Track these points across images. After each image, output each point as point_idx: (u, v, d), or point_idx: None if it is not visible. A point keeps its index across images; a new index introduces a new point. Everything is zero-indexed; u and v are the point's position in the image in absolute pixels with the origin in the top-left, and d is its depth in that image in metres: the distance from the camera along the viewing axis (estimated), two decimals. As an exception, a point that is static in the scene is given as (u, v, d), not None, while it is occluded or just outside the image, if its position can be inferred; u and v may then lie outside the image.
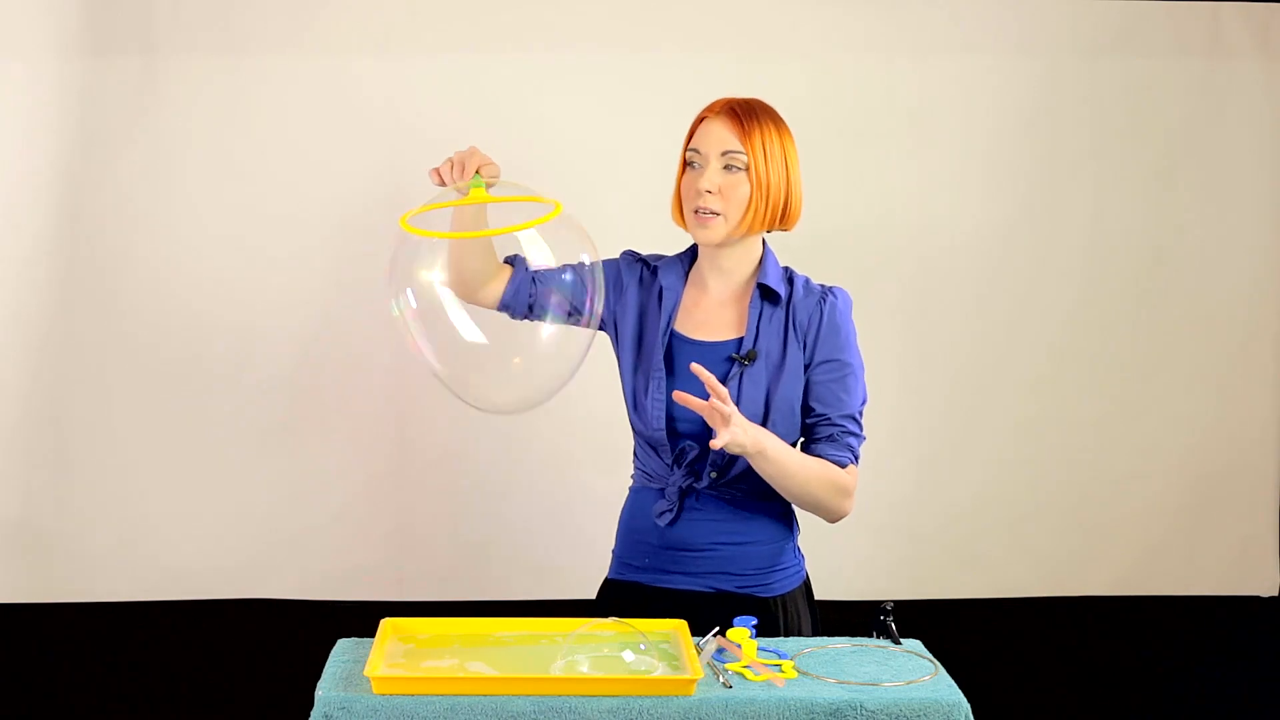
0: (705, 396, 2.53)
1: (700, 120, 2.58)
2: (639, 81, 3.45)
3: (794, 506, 2.65)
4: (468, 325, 2.44)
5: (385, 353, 3.46)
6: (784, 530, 2.62)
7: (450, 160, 2.47)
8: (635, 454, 2.69)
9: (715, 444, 2.36)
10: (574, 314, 2.57)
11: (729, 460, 2.54)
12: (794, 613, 2.61)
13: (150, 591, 3.49)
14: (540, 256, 2.46)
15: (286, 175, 3.42)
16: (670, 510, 2.58)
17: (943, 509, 3.61)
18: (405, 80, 3.43)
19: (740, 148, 2.52)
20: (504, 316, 2.59)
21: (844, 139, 3.50)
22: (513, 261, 2.59)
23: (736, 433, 2.37)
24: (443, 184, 2.47)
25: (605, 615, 2.44)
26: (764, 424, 2.53)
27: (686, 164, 2.57)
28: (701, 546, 2.58)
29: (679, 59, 3.44)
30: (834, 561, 3.39)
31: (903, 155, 3.52)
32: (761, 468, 2.46)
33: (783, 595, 2.60)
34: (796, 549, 2.65)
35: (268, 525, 3.49)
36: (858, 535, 3.56)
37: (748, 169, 2.52)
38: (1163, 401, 3.63)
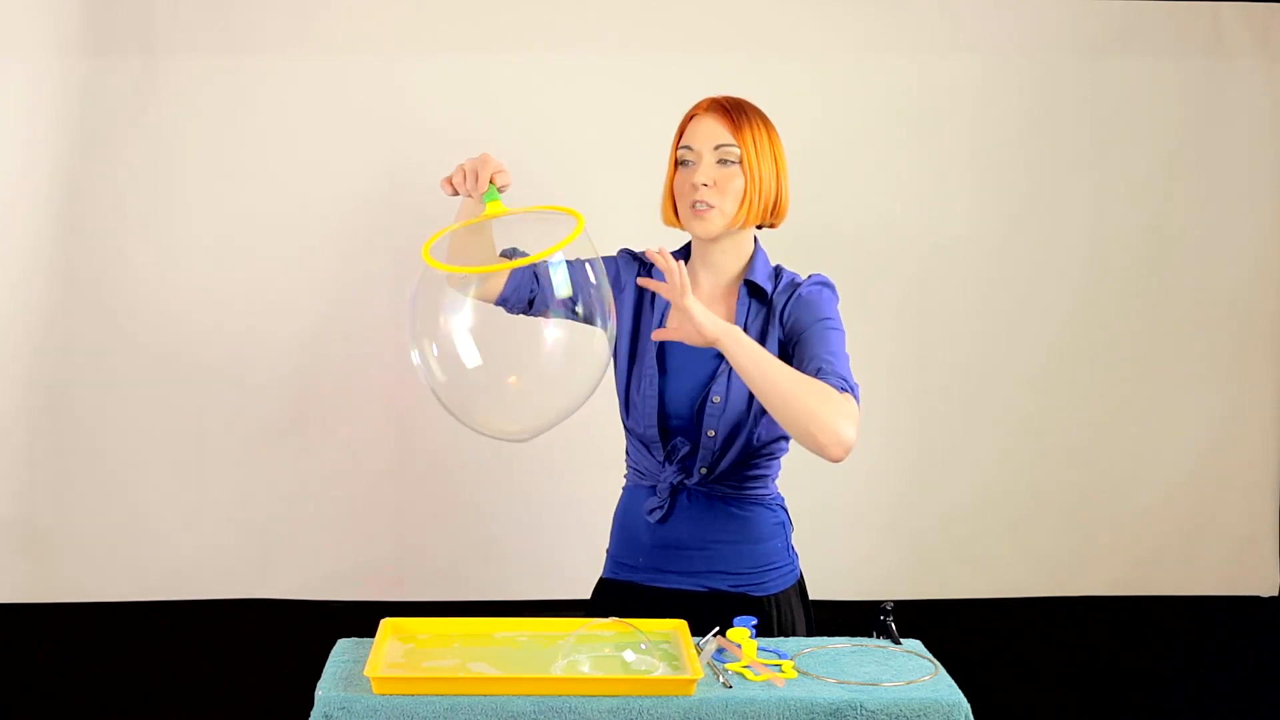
0: (694, 395, 2.54)
1: (689, 118, 2.60)
2: (639, 81, 3.45)
3: (785, 509, 2.65)
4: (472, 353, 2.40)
5: (386, 353, 3.46)
6: (777, 529, 2.62)
7: (462, 169, 2.40)
8: (627, 453, 2.69)
9: (689, 311, 2.30)
10: (574, 311, 2.57)
11: (718, 455, 2.55)
12: (788, 612, 2.61)
13: (150, 591, 3.49)
14: (560, 273, 2.38)
15: (286, 175, 3.42)
16: (661, 507, 2.59)
17: (943, 509, 3.61)
18: (405, 80, 3.43)
19: (733, 141, 2.54)
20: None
21: (844, 139, 3.50)
22: (511, 257, 2.59)
23: (699, 306, 2.32)
24: (455, 194, 2.44)
25: (600, 615, 2.44)
26: (751, 418, 2.54)
27: (679, 163, 2.59)
28: (693, 544, 2.59)
29: (679, 59, 3.45)
30: (833, 561, 3.40)
31: (903, 155, 3.52)
32: (735, 356, 2.33)
33: (776, 595, 2.60)
34: (790, 548, 2.66)
35: (268, 525, 3.49)
36: (857, 535, 3.57)
37: (741, 162, 2.54)
38: (1163, 401, 3.63)
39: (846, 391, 2.40)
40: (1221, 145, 3.58)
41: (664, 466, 2.59)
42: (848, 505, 3.57)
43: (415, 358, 2.37)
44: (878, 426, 3.53)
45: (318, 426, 3.48)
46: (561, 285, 2.37)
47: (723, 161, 2.54)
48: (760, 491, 2.61)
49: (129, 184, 3.40)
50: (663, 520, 2.60)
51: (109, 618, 3.52)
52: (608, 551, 2.72)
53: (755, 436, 2.55)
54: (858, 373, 2.61)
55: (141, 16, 3.37)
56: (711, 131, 2.55)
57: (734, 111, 2.56)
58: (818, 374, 2.42)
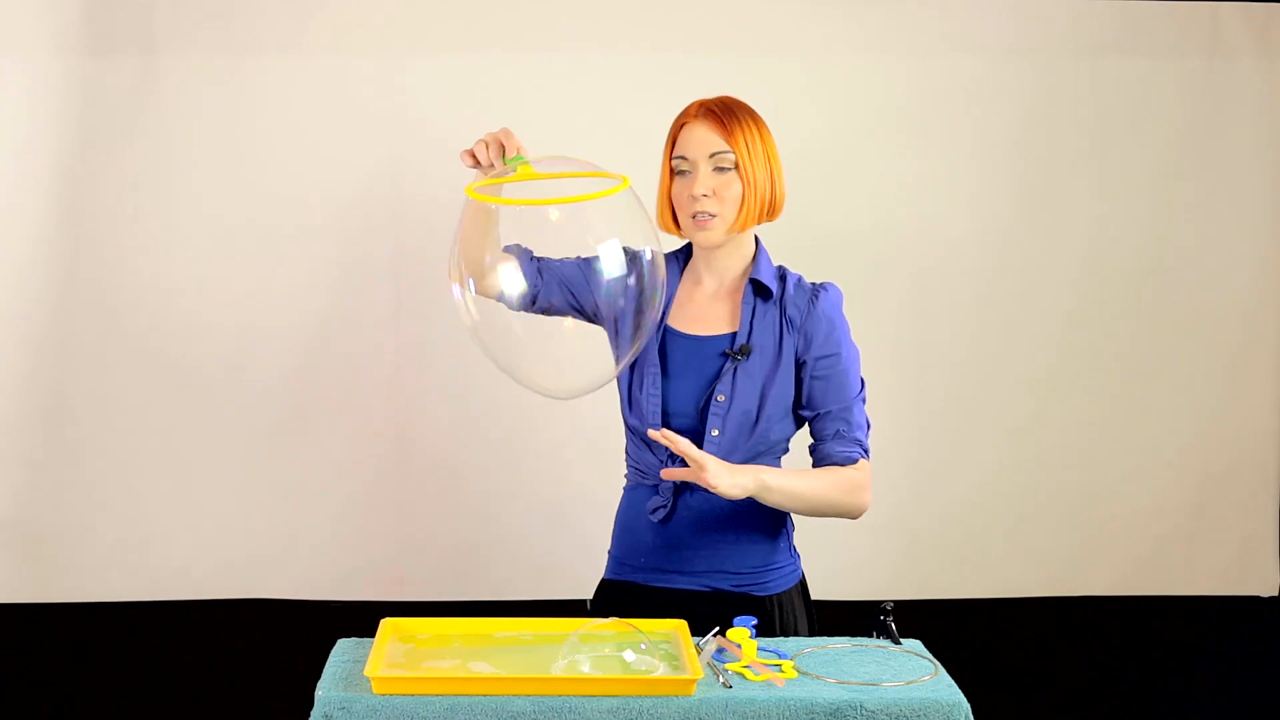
0: (699, 394, 2.54)
1: (680, 127, 2.59)
2: (639, 81, 3.45)
3: None
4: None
5: (386, 353, 3.47)
6: (778, 528, 2.62)
7: (484, 141, 2.45)
8: (628, 452, 2.69)
9: (716, 489, 2.40)
10: (580, 310, 2.58)
11: (723, 454, 2.54)
12: (790, 612, 2.61)
13: (150, 591, 3.49)
14: (607, 233, 2.44)
15: (286, 175, 3.42)
16: (665, 506, 2.58)
17: (943, 509, 3.61)
18: (405, 80, 3.43)
19: (727, 147, 2.53)
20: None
21: (844, 139, 3.50)
22: (514, 251, 2.59)
23: (723, 476, 2.40)
24: (477, 165, 2.46)
25: (602, 615, 2.44)
26: (757, 419, 2.54)
27: (674, 172, 2.58)
28: (695, 544, 2.58)
29: (679, 59, 3.45)
30: (833, 561, 3.39)
31: (902, 156, 3.52)
32: (768, 499, 2.48)
33: (778, 594, 2.60)
34: (792, 547, 2.66)
35: (268, 525, 3.49)
36: (857, 535, 3.55)
37: (737, 167, 2.53)
38: (1163, 402, 3.63)
39: (862, 458, 2.56)
40: (1221, 145, 3.58)
41: (666, 465, 2.59)
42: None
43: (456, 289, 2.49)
44: (878, 427, 3.51)
45: (318, 426, 3.48)
46: (613, 266, 2.43)
47: (719, 169, 2.54)
48: None
49: (129, 184, 3.40)
50: (665, 520, 2.59)
51: (109, 618, 3.52)
52: (609, 552, 2.71)
53: (761, 438, 2.55)
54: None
55: (141, 16, 3.37)
56: (704, 139, 2.54)
57: (724, 116, 2.55)
58: (835, 438, 2.56)
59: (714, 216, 2.53)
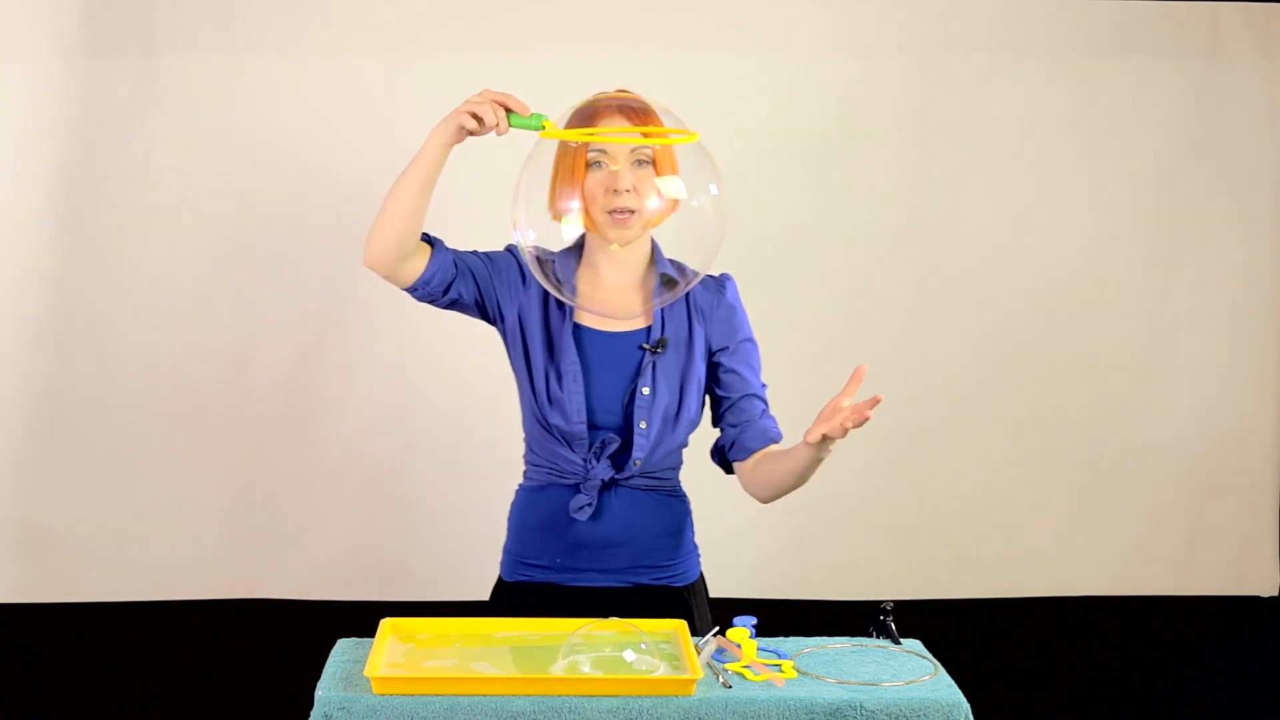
0: (622, 389, 2.54)
1: (593, 119, 2.51)
2: (639, 81, 3.43)
3: (685, 493, 2.65)
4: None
5: (386, 352, 3.47)
6: (685, 518, 2.63)
7: (479, 104, 2.37)
8: (531, 450, 2.63)
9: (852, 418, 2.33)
10: (482, 307, 2.56)
11: (653, 447, 2.53)
12: (703, 599, 2.63)
13: (150, 591, 3.49)
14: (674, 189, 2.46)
15: (286, 175, 3.42)
16: (590, 504, 2.55)
17: (943, 509, 3.61)
18: (405, 80, 3.43)
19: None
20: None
21: (844, 139, 3.50)
22: (431, 242, 2.55)
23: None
24: (478, 132, 2.40)
25: (509, 615, 2.42)
26: (679, 408, 2.54)
27: (587, 164, 2.50)
28: (620, 540, 2.56)
29: (679, 59, 3.45)
30: (833, 561, 3.40)
31: (902, 155, 3.52)
32: (818, 460, 2.43)
33: (692, 584, 2.62)
34: (693, 536, 2.67)
35: (268, 525, 3.49)
36: (858, 535, 3.57)
37: (654, 162, 2.50)
38: (1162, 400, 3.63)
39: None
40: (1221, 145, 3.58)
41: (590, 463, 2.56)
42: (849, 505, 3.57)
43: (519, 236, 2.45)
44: (878, 426, 3.52)
45: (317, 425, 3.49)
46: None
47: (638, 163, 2.49)
48: (675, 482, 2.62)
49: (129, 183, 3.40)
50: (591, 518, 2.57)
51: (109, 618, 3.52)
52: (506, 550, 2.66)
53: (682, 429, 2.56)
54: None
55: (141, 16, 3.37)
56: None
57: (641, 114, 2.50)
58: (764, 415, 2.58)
59: (633, 213, 2.50)
